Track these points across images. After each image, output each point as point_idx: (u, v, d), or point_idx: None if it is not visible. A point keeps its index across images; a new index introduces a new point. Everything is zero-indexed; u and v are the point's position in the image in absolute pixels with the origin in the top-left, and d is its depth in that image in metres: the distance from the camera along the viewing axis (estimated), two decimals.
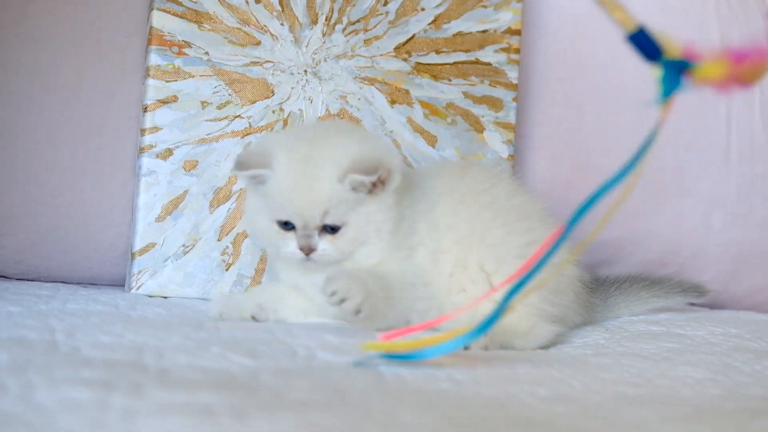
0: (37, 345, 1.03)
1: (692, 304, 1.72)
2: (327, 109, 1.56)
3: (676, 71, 1.03)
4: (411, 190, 1.35)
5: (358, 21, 1.57)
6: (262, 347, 1.11)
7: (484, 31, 1.61)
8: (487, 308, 1.27)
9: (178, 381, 0.92)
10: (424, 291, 1.32)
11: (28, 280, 1.52)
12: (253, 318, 1.32)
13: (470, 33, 1.60)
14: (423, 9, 1.59)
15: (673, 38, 1.01)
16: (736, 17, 1.69)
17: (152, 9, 1.50)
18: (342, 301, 1.24)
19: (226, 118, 1.52)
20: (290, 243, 1.29)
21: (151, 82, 1.50)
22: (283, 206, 1.28)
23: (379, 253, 1.31)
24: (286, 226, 1.28)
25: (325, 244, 1.28)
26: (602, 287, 1.52)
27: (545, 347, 1.31)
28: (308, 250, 1.28)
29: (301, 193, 1.27)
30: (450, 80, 1.60)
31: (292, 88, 1.54)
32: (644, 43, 1.03)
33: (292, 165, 1.27)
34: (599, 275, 1.55)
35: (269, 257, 1.46)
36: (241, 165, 1.29)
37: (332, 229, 1.28)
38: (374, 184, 1.27)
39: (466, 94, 1.60)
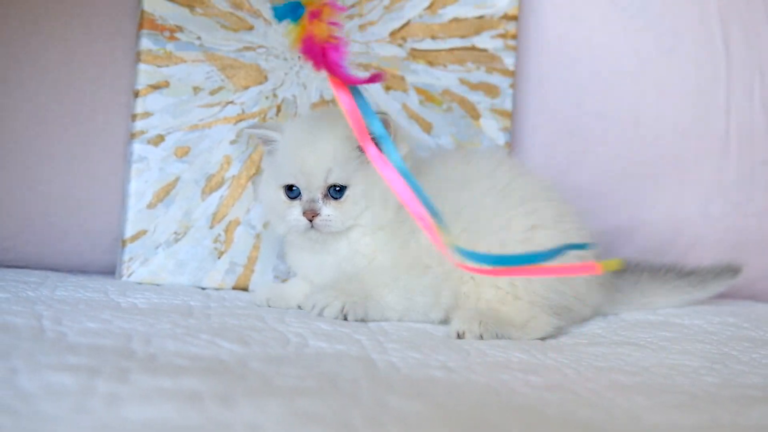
0: (23, 330, 1.02)
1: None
2: (321, 96, 1.53)
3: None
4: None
5: (352, 6, 1.54)
6: (253, 334, 1.11)
7: (480, 17, 1.59)
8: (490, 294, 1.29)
9: (164, 367, 0.91)
10: (425, 279, 1.30)
11: (17, 267, 1.50)
12: (299, 307, 1.35)
13: (466, 18, 1.58)
14: None
15: None
16: None
17: None
18: (322, 309, 1.26)
19: (218, 103, 1.50)
20: (294, 210, 1.30)
21: (142, 66, 1.47)
22: (289, 169, 1.30)
23: (386, 222, 1.30)
24: (292, 193, 1.31)
25: (329, 210, 1.29)
26: (630, 270, 1.49)
27: (543, 339, 1.29)
28: (311, 215, 1.28)
29: (306, 152, 1.29)
30: (446, 66, 1.58)
31: (286, 73, 1.52)
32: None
33: (299, 128, 1.32)
34: (629, 259, 1.52)
35: (281, 241, 1.46)
36: (255, 125, 1.41)
37: (336, 194, 1.29)
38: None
39: (462, 81, 1.58)
